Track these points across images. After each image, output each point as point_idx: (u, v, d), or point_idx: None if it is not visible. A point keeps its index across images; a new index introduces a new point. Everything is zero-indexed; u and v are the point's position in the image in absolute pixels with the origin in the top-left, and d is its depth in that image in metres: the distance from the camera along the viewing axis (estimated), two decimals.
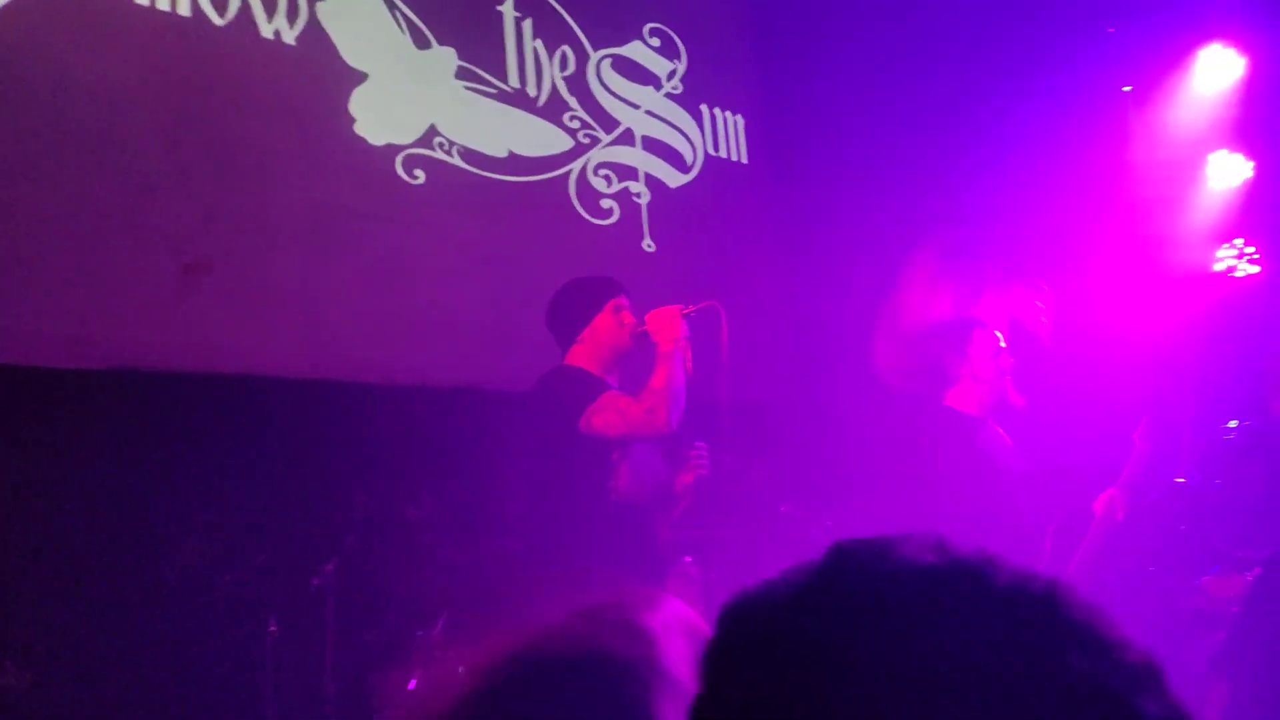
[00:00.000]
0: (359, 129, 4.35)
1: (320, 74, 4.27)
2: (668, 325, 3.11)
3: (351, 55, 4.37)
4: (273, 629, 3.39)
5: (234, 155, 3.96)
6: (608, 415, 3.00)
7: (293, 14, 4.19)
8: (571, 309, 3.28)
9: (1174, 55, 5.20)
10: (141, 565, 3.42)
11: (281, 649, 3.40)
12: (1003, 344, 3.57)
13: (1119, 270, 5.03)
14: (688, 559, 3.87)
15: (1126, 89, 5.36)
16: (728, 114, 5.73)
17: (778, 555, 4.45)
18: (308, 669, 3.45)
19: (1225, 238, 5.19)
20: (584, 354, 3.22)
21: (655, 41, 5.49)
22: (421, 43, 4.61)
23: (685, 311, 3.16)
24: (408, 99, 4.52)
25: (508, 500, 3.86)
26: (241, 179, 3.96)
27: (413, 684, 3.42)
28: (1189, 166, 5.22)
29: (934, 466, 3.35)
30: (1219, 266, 5.18)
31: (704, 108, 5.63)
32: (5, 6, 3.52)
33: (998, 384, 3.52)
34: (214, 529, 3.48)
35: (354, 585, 3.53)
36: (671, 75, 5.52)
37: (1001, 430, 3.61)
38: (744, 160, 5.76)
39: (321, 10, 4.28)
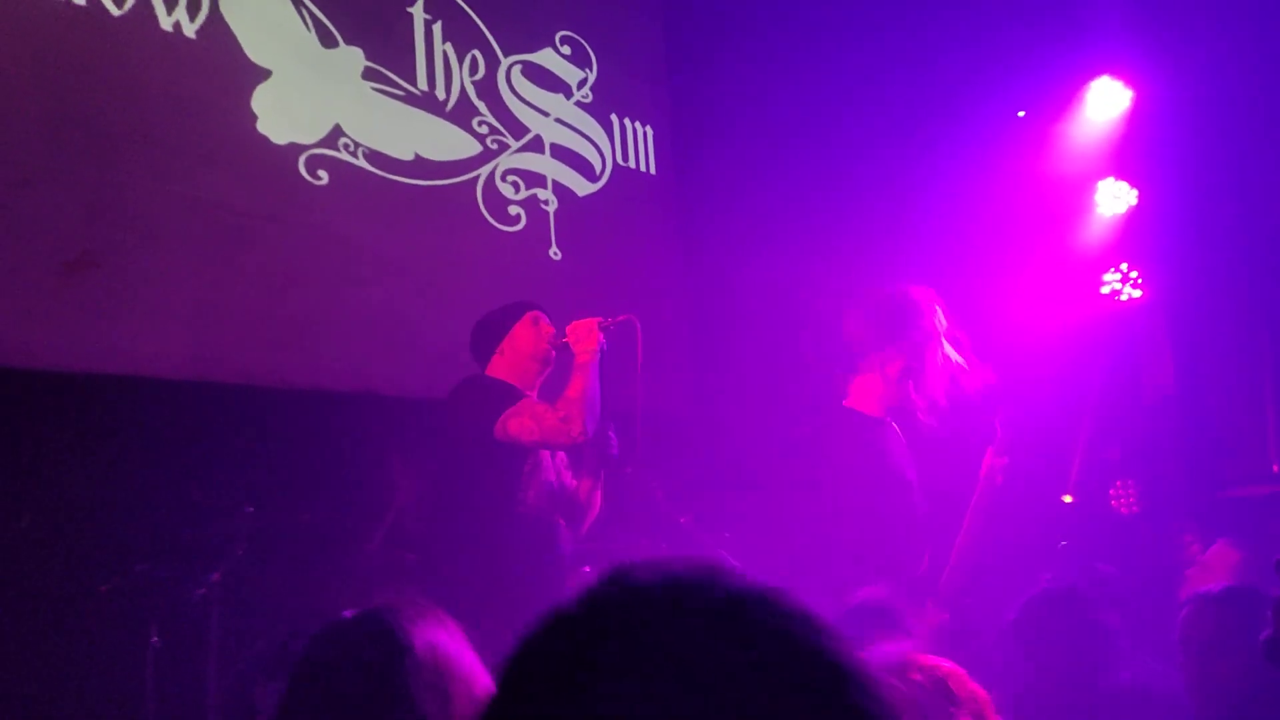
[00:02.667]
0: (261, 127, 4.25)
1: (221, 69, 4.16)
2: (586, 336, 3.17)
3: (255, 51, 4.27)
4: (154, 640, 3.29)
5: (124, 150, 3.83)
6: (523, 420, 3.02)
7: (194, 7, 4.08)
8: (489, 326, 3.33)
9: (1067, 87, 5.41)
10: (13, 572, 3.28)
11: (164, 660, 3.30)
12: (922, 359, 3.64)
13: (1011, 287, 5.21)
14: (585, 568, 3.89)
15: (1021, 114, 5.55)
16: (637, 124, 5.76)
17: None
18: (191, 681, 3.35)
19: (1112, 262, 5.41)
20: (503, 365, 3.26)
21: (566, 49, 5.49)
22: (328, 41, 4.53)
23: (604, 324, 3.21)
24: (312, 98, 4.43)
25: (406, 508, 3.82)
26: (132, 175, 3.84)
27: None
28: (1079, 192, 5.43)
29: (834, 469, 3.42)
30: (1105, 289, 5.40)
31: (614, 117, 5.65)
32: None
33: (903, 387, 3.59)
34: (91, 535, 3.36)
35: (240, 594, 3.45)
36: (582, 84, 5.52)
37: (898, 430, 3.69)
38: (652, 171, 5.79)
39: (225, 4, 4.17)
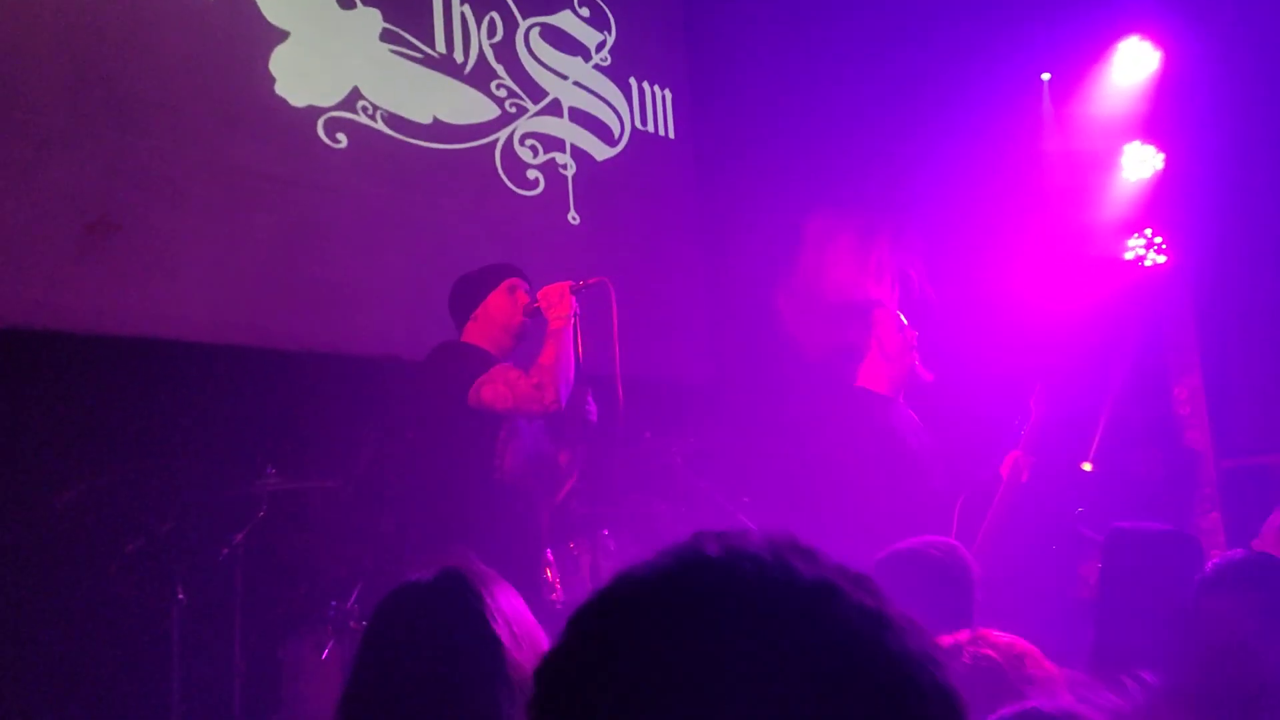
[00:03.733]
0: (279, 89, 4.24)
1: (240, 31, 4.14)
2: (558, 301, 3.11)
3: (273, 13, 4.25)
4: (181, 597, 3.33)
5: (144, 113, 3.83)
6: (497, 388, 2.98)
7: None
8: (466, 289, 3.27)
9: (1093, 47, 5.32)
10: (44, 532, 3.32)
11: (190, 618, 3.34)
12: (904, 320, 3.65)
13: (1034, 253, 5.16)
14: (605, 531, 3.89)
15: (1045, 76, 5.47)
16: (656, 88, 5.71)
17: (693, 528, 4.48)
18: (216, 638, 3.40)
19: (1136, 227, 5.34)
20: (477, 331, 3.21)
21: (585, 12, 5.44)
22: (346, 3, 4.50)
23: (576, 288, 3.16)
24: (331, 60, 4.41)
25: (375, 470, 3.81)
26: (151, 137, 3.83)
27: (325, 654, 3.39)
28: (1105, 156, 5.35)
29: (847, 447, 3.42)
30: (1129, 255, 5.34)
31: (633, 81, 5.61)
32: None
33: (906, 360, 3.60)
34: (118, 496, 3.39)
35: (264, 554, 3.48)
36: (601, 47, 5.48)
37: (911, 410, 3.69)
38: (671, 135, 5.75)
39: None
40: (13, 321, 3.44)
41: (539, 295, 3.17)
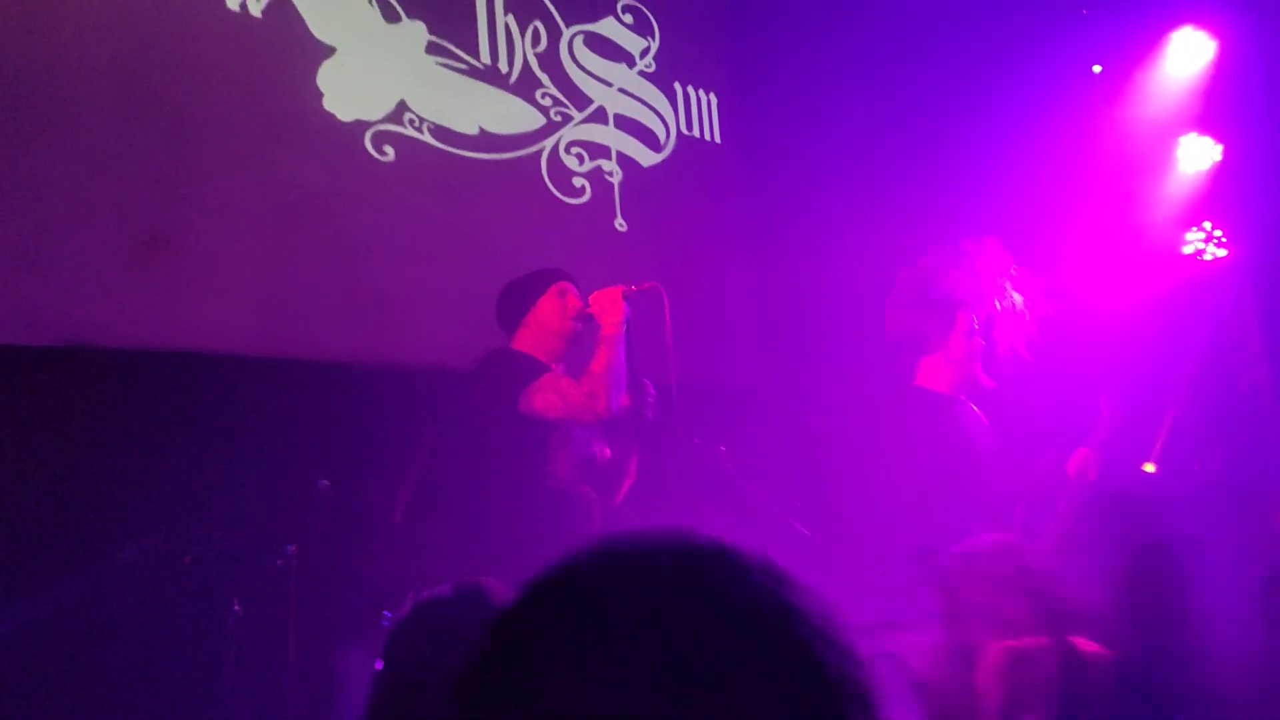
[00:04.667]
0: (327, 104, 4.29)
1: (287, 48, 4.20)
2: (611, 307, 3.07)
3: (319, 28, 4.30)
4: (236, 609, 3.37)
5: (194, 131, 3.89)
6: (547, 396, 2.96)
7: None
8: (515, 294, 3.25)
9: (1146, 38, 5.21)
10: (101, 545, 3.38)
11: (245, 629, 3.37)
12: (977, 327, 3.59)
13: (1090, 250, 5.06)
14: None
15: (1097, 69, 5.37)
16: (701, 92, 5.69)
17: (746, 536, 4.45)
18: (271, 649, 3.43)
19: (1194, 221, 5.22)
20: (527, 338, 3.19)
21: (628, 18, 5.44)
22: (391, 16, 4.54)
23: (627, 292, 3.12)
24: (377, 74, 4.46)
25: (428, 480, 3.81)
26: (201, 155, 3.89)
27: (379, 664, 3.40)
28: (1159, 149, 5.24)
29: (904, 445, 3.36)
30: (1188, 249, 5.21)
31: (677, 85, 5.60)
32: None
33: (969, 365, 3.54)
34: (174, 509, 3.44)
35: (318, 565, 3.51)
36: (645, 53, 5.47)
37: (974, 406, 3.61)
38: (717, 140, 5.73)
39: None
40: (67, 339, 3.50)
41: (591, 300, 3.14)
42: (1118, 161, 5.26)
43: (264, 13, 4.12)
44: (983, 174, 5.20)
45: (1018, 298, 3.80)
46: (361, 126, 4.37)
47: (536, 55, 5.02)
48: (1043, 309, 4.05)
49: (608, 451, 3.27)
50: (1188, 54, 5.11)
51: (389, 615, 3.44)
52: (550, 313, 3.18)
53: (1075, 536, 3.27)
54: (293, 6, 4.22)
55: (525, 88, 4.95)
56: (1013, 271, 3.89)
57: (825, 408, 4.95)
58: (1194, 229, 5.18)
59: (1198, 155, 5.16)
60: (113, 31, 3.74)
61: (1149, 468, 3.83)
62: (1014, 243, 4.96)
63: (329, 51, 4.32)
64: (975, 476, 3.36)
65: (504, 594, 1.51)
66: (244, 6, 4.07)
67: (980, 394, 3.64)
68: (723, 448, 4.37)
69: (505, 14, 4.93)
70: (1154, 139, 5.22)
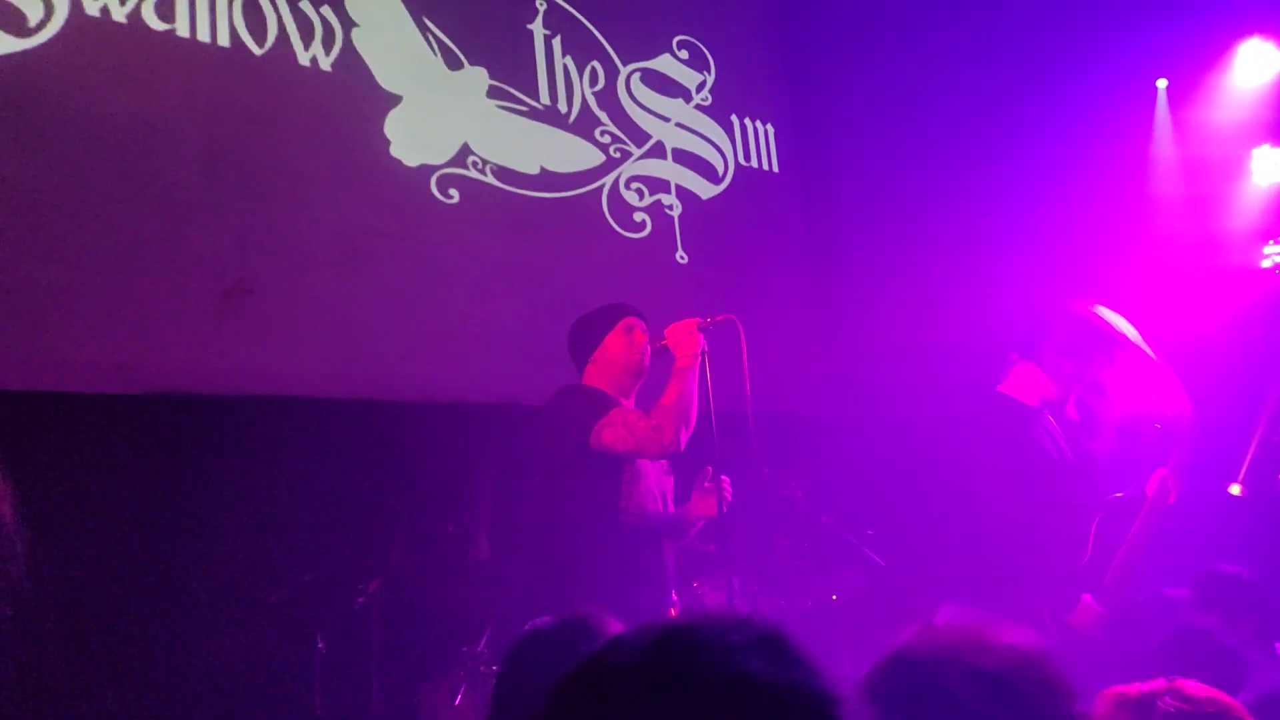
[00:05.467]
0: (394, 151, 4.41)
1: (356, 98, 4.34)
2: (686, 339, 3.08)
3: (386, 79, 4.44)
4: (320, 646, 3.45)
5: (271, 181, 4.03)
6: (616, 430, 2.97)
7: (329, 41, 4.27)
8: (584, 332, 3.27)
9: (1213, 50, 5.13)
10: (192, 585, 3.49)
11: (330, 665, 3.45)
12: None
13: (1164, 268, 4.96)
14: (695, 584, 3.84)
15: (1161, 83, 5.29)
16: (758, 123, 5.74)
17: (818, 566, 4.44)
18: (355, 684, 3.50)
19: (1272, 234, 5.10)
20: (596, 374, 3.21)
21: (684, 54, 5.52)
22: (453, 64, 4.67)
23: (703, 325, 3.13)
24: (441, 120, 4.58)
25: (502, 515, 3.84)
26: (278, 204, 4.04)
27: (459, 699, 3.45)
28: (1232, 163, 5.14)
29: (986, 455, 3.29)
30: (1266, 263, 5.09)
31: (734, 118, 5.65)
32: (49, 40, 3.61)
33: (1064, 390, 3.42)
34: (261, 549, 3.54)
35: (398, 602, 3.58)
36: (701, 87, 5.54)
37: (1054, 421, 3.54)
38: (775, 169, 5.76)
39: (356, 36, 4.36)
40: (158, 388, 3.64)
41: (666, 333, 3.15)
42: (1189, 175, 5.17)
43: (333, 66, 4.27)
44: (1047, 192, 5.15)
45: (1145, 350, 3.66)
46: (427, 171, 4.49)
47: (595, 94, 5.11)
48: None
49: (677, 490, 3.26)
50: (1256, 65, 5.02)
51: (466, 650, 3.51)
52: (617, 348, 3.20)
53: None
54: (360, 59, 4.36)
55: (585, 126, 5.04)
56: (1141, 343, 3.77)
57: (896, 431, 4.92)
58: (1271, 242, 5.05)
59: (1272, 167, 5.05)
60: (196, 93, 3.91)
61: (1235, 490, 3.73)
62: (1085, 260, 4.90)
63: (395, 100, 4.45)
64: (1048, 489, 3.28)
65: (609, 624, 1.55)
66: (315, 61, 4.22)
67: (1062, 416, 3.57)
68: (793, 477, 4.38)
69: (563, 55, 5.03)
70: (1225, 151, 5.12)
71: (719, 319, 3.14)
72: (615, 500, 3.00)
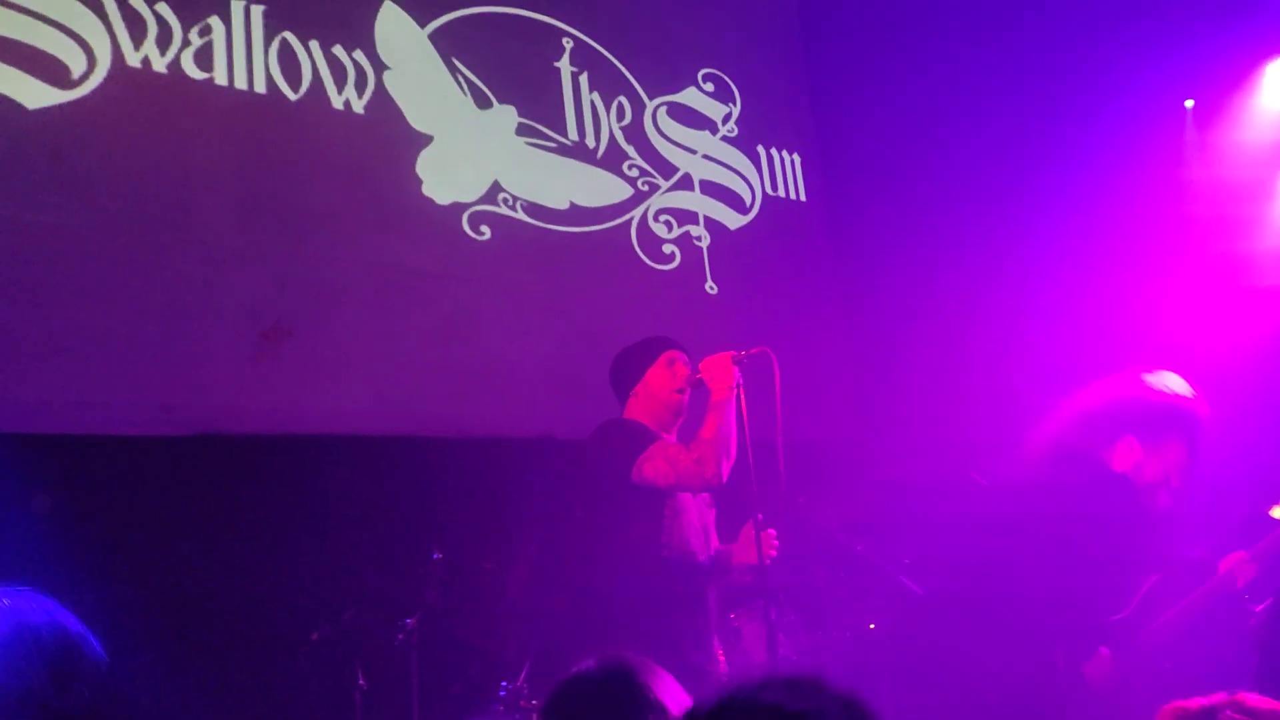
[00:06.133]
0: (426, 190, 4.48)
1: (388, 139, 4.41)
2: (721, 372, 3.09)
3: (417, 119, 4.51)
4: (361, 683, 3.47)
5: (307, 222, 4.11)
6: (657, 464, 2.98)
7: (361, 84, 4.35)
8: (626, 365, 3.29)
9: (1238, 70, 5.12)
10: (234, 624, 3.53)
11: (371, 702, 3.47)
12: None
13: (1196, 290, 4.93)
14: (731, 615, 3.83)
15: (1188, 104, 5.28)
16: (784, 153, 5.78)
17: (854, 595, 4.42)
18: None
19: None
20: (638, 407, 3.22)
21: (709, 87, 5.57)
22: (483, 103, 4.74)
23: (738, 358, 3.14)
24: (472, 158, 4.65)
25: (544, 552, 3.86)
26: (315, 245, 4.10)
27: None
28: (1259, 183, 5.11)
29: (1030, 501, 3.26)
30: None
31: (760, 148, 5.69)
32: (92, 91, 3.71)
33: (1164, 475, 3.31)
34: (301, 587, 3.58)
35: (438, 637, 3.60)
36: (727, 119, 5.59)
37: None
38: (802, 199, 5.79)
39: (388, 78, 4.44)
40: (198, 429, 3.70)
41: (701, 367, 3.15)
42: (1218, 196, 5.14)
43: (366, 108, 4.35)
44: (1075, 218, 5.14)
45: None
46: (459, 209, 4.55)
47: (622, 129, 5.17)
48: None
49: (716, 526, 3.26)
50: None
51: (506, 685, 3.52)
52: (659, 381, 3.21)
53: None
54: (392, 100, 4.44)
55: (612, 161, 5.10)
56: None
57: (924, 462, 4.90)
58: None
59: None
60: (235, 139, 3.99)
61: (1277, 513, 3.67)
62: (1114, 286, 4.87)
63: (426, 140, 4.53)
64: (1095, 539, 3.23)
65: (649, 671, 1.56)
66: (348, 104, 4.31)
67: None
68: (827, 507, 4.37)
69: (590, 92, 5.10)
70: (1252, 173, 5.10)
71: (753, 352, 3.15)
72: (657, 535, 3.01)
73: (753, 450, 3.06)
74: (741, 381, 3.12)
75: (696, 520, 3.14)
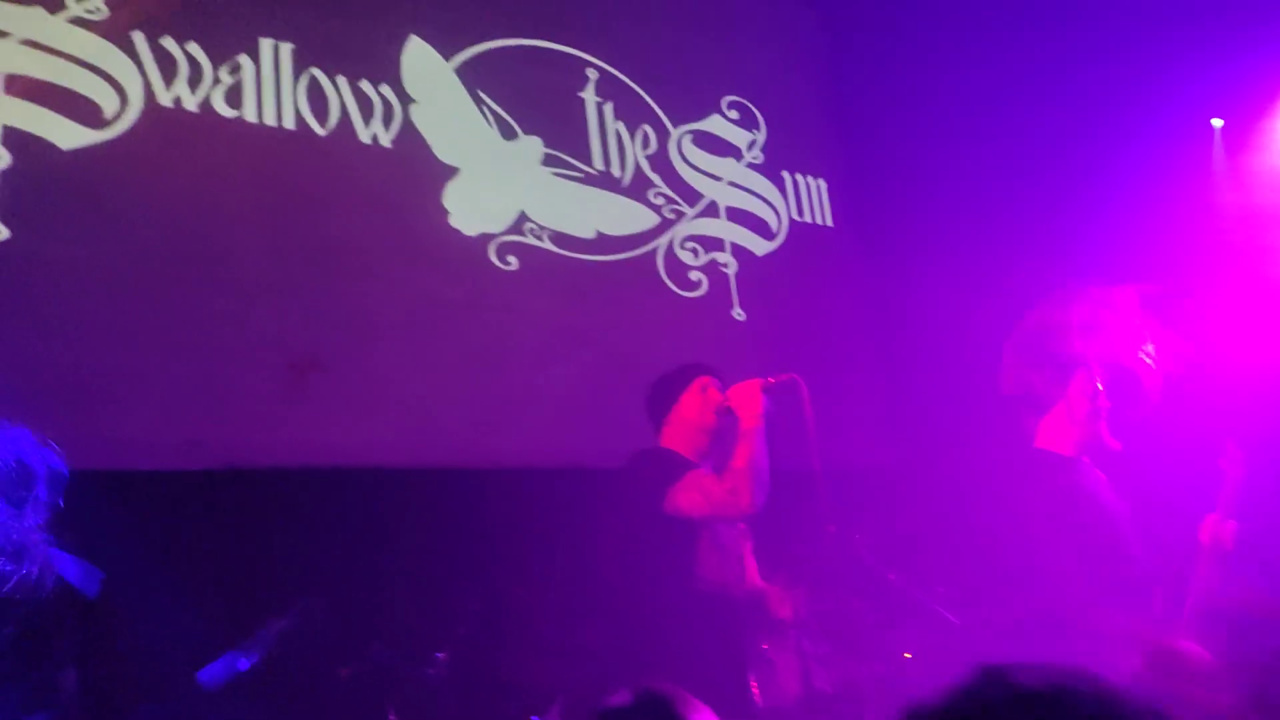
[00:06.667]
0: (453, 221, 4.50)
1: (415, 172, 4.44)
2: (749, 401, 3.06)
3: (443, 152, 4.54)
4: (392, 718, 3.44)
5: (335, 256, 4.13)
6: (691, 495, 2.94)
7: (388, 118, 4.39)
8: (659, 392, 3.26)
9: (1269, 89, 5.07)
10: (262, 659, 3.51)
11: None
12: (1100, 387, 3.44)
13: (1219, 310, 4.86)
14: (764, 646, 3.78)
15: (1217, 123, 5.23)
16: (809, 179, 5.77)
17: (889, 625, 4.35)
18: None
19: None
20: (672, 435, 3.18)
21: (734, 114, 5.58)
22: (508, 134, 4.76)
23: (767, 386, 3.11)
24: (498, 189, 4.67)
25: (604, 582, 3.84)
26: (344, 278, 4.13)
27: None
28: None
29: (1033, 515, 3.23)
30: None
31: (785, 174, 5.68)
32: (125, 132, 3.76)
33: (1092, 425, 3.38)
34: (331, 621, 3.57)
35: (469, 671, 3.57)
36: (752, 145, 5.59)
37: (1098, 470, 3.46)
38: (829, 223, 5.78)
39: (414, 112, 4.47)
40: (230, 462, 3.71)
41: (729, 395, 3.12)
42: (1246, 213, 5.08)
43: (393, 142, 4.38)
44: (1107, 234, 5.09)
45: (1150, 351, 3.63)
46: (486, 239, 4.57)
47: (647, 157, 5.18)
48: (1175, 364, 3.88)
49: (754, 557, 3.23)
50: None
51: (537, 719, 3.48)
52: (692, 408, 3.16)
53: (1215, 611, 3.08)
54: (418, 133, 4.48)
55: (638, 189, 5.11)
56: (1144, 324, 3.73)
57: (956, 485, 4.84)
58: None
59: None
60: (264, 175, 4.03)
61: None
62: (1150, 303, 4.82)
63: (453, 172, 4.55)
64: (1108, 543, 3.20)
65: (685, 703, 1.53)
66: (375, 139, 4.34)
67: (1105, 457, 3.49)
68: (859, 535, 4.31)
69: (615, 121, 5.12)
70: None
71: (782, 379, 3.12)
72: (692, 566, 2.96)
73: (786, 478, 3.03)
74: (771, 409, 3.08)
75: (732, 549, 3.10)
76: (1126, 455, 3.45)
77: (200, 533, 3.55)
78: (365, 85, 4.37)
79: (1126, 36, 5.17)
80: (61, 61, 3.69)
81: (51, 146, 3.62)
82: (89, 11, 3.80)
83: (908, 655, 4.31)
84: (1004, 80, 5.49)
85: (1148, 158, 5.10)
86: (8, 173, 3.54)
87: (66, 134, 3.65)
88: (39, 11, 3.70)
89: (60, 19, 3.74)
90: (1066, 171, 5.27)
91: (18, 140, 3.58)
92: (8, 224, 3.51)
